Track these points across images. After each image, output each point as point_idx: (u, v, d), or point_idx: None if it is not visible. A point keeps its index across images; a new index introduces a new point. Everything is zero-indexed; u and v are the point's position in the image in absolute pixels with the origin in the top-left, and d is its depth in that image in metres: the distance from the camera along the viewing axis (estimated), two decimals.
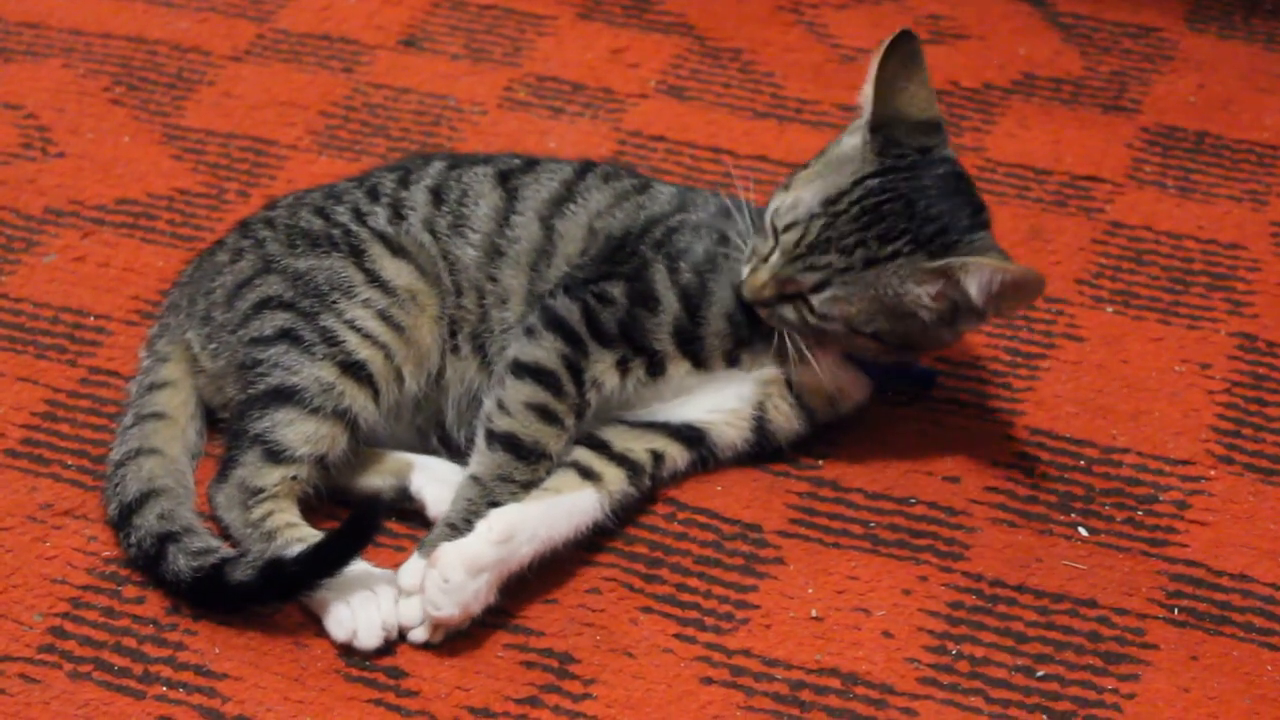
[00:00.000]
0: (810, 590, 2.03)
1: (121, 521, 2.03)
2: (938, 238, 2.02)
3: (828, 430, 2.20)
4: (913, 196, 2.03)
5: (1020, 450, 2.21)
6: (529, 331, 2.09)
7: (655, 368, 2.11)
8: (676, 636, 1.98)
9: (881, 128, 2.07)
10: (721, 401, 2.13)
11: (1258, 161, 2.70)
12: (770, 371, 2.14)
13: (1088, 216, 2.59)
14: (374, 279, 2.12)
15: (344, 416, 2.04)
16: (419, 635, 1.94)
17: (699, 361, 2.12)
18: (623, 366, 2.10)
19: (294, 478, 2.03)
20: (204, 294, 2.17)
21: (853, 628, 1.99)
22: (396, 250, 2.15)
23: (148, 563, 1.99)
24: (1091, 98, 2.83)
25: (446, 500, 2.04)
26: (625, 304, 2.10)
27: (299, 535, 1.98)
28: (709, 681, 1.93)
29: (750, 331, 2.11)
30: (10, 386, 2.26)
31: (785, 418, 2.14)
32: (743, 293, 2.08)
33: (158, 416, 2.12)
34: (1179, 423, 2.25)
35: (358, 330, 2.08)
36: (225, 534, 2.03)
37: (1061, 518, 2.13)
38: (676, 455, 2.12)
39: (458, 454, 2.13)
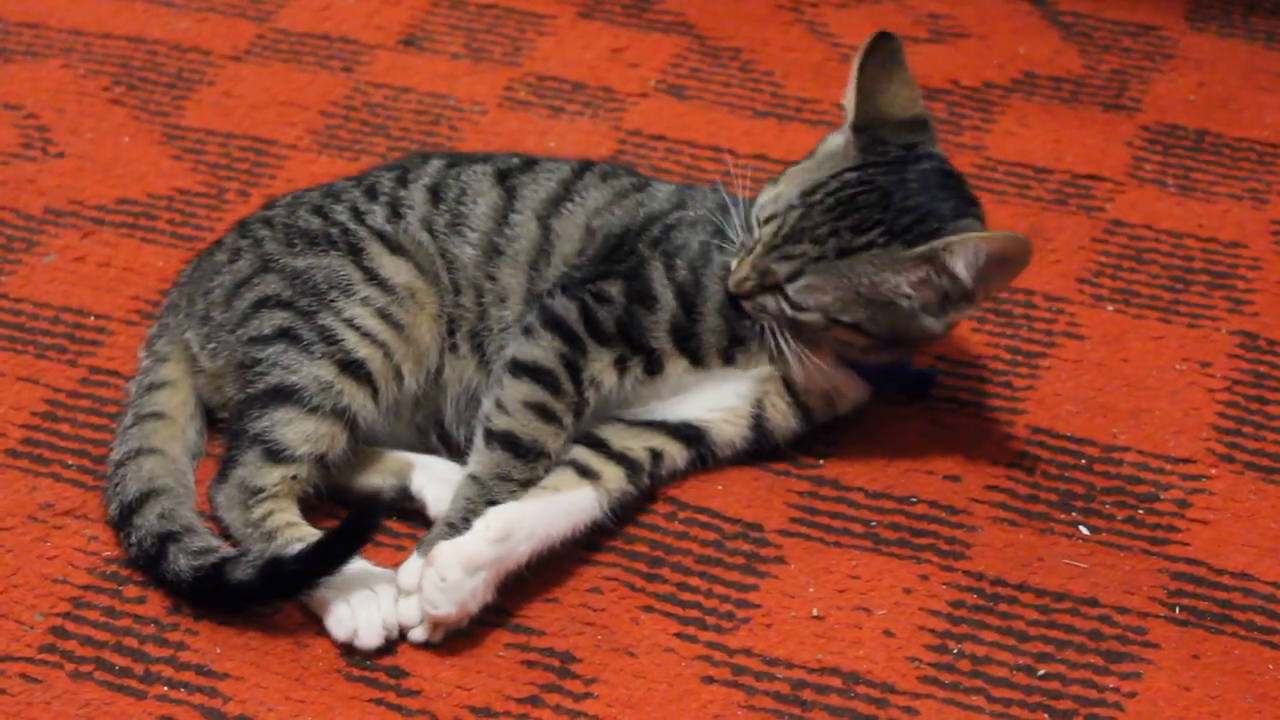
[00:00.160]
0: (811, 589, 2.03)
1: (122, 521, 2.03)
2: (915, 227, 2.02)
3: (828, 429, 2.20)
4: (890, 189, 2.03)
5: (1021, 449, 2.21)
6: (527, 331, 2.10)
7: (653, 366, 2.11)
8: (678, 636, 1.97)
9: (866, 127, 2.08)
10: (720, 400, 2.13)
11: (1258, 160, 2.70)
12: (767, 369, 2.14)
13: (1088, 215, 2.59)
14: (372, 277, 2.12)
15: (343, 415, 2.04)
16: (418, 634, 1.94)
17: (696, 359, 2.12)
18: (620, 365, 2.10)
19: (294, 477, 2.03)
20: (203, 294, 2.17)
21: (854, 627, 1.99)
22: (395, 248, 2.15)
23: (148, 562, 1.99)
24: (1092, 96, 2.83)
25: (447, 499, 2.04)
26: (623, 302, 2.10)
27: (299, 535, 1.98)
28: (710, 681, 1.93)
29: (744, 329, 2.11)
30: (10, 386, 2.26)
31: (783, 416, 2.14)
32: (729, 287, 2.09)
33: (157, 416, 2.12)
34: (1180, 421, 2.25)
35: (356, 329, 2.08)
36: (226, 534, 2.03)
37: (1062, 516, 2.13)
38: (675, 453, 2.12)
39: (457, 452, 2.13)
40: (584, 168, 2.26)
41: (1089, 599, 2.02)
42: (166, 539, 1.98)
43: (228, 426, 2.09)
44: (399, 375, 2.10)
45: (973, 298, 2.04)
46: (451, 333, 2.15)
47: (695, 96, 2.82)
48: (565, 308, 2.10)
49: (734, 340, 2.12)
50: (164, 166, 2.65)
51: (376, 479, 2.09)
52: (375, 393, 2.07)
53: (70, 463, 2.16)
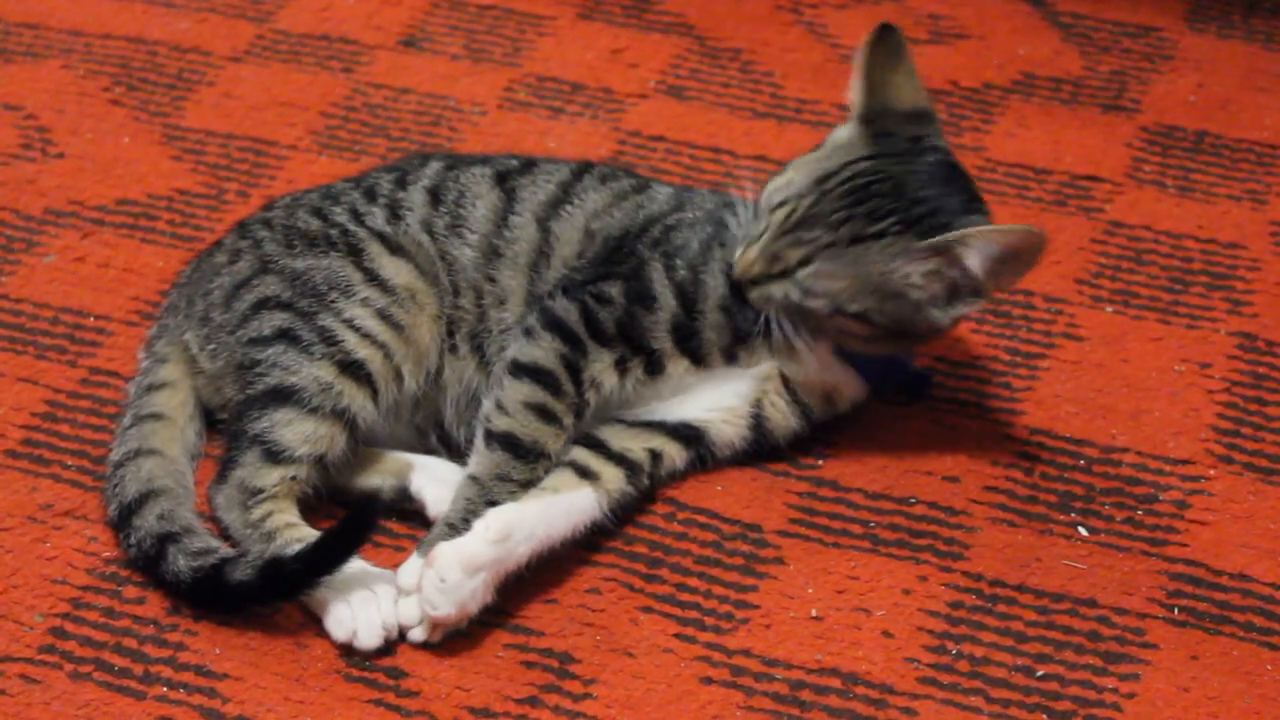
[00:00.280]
0: (810, 590, 2.03)
1: (121, 522, 2.03)
2: (927, 219, 2.02)
3: (827, 430, 2.20)
4: (902, 180, 2.04)
5: (1020, 450, 2.21)
6: (527, 332, 2.10)
7: (654, 366, 2.11)
8: (676, 636, 1.98)
9: (873, 119, 2.08)
10: (719, 400, 2.14)
11: (1257, 161, 2.70)
12: (767, 368, 2.14)
13: (1087, 216, 2.59)
14: (372, 278, 2.12)
15: (343, 416, 2.05)
16: (418, 635, 1.95)
17: (697, 358, 2.12)
18: (621, 366, 2.10)
19: (293, 478, 2.03)
20: (202, 295, 2.17)
21: (853, 627, 1.99)
22: (395, 249, 2.15)
23: (148, 563, 1.99)
24: (1091, 97, 2.83)
25: (446, 500, 2.04)
26: (623, 303, 2.10)
27: (299, 535, 1.98)
28: (709, 681, 1.93)
29: (746, 322, 2.11)
30: (10, 387, 2.26)
31: (782, 415, 2.14)
32: (734, 274, 2.08)
33: (157, 417, 2.12)
34: (1179, 422, 2.25)
35: (356, 329, 2.08)
36: (225, 535, 2.03)
37: (1061, 517, 2.13)
38: (674, 454, 2.12)
39: (457, 452, 2.13)
40: (583, 169, 2.26)
41: (1088, 600, 2.02)
42: (166, 540, 1.98)
43: (227, 427, 2.10)
44: (399, 376, 2.10)
45: (982, 292, 2.04)
46: (451, 334, 2.15)
47: (695, 97, 2.82)
48: (566, 309, 2.10)
49: (736, 337, 2.12)
50: (164, 167, 2.65)
51: (376, 479, 2.10)
52: (375, 394, 2.08)
53: (70, 463, 2.16)
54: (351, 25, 2.96)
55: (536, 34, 2.95)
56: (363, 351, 2.07)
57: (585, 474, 2.04)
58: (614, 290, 2.11)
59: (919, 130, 2.10)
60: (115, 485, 2.06)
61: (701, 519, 2.11)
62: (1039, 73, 2.88)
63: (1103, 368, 2.33)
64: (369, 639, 1.93)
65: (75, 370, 2.29)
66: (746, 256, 2.07)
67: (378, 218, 2.19)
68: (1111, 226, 2.57)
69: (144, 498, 2.03)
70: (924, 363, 2.30)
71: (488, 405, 2.07)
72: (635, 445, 2.10)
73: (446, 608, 1.91)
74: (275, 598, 1.95)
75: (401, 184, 2.23)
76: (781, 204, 2.06)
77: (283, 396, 2.04)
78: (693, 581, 2.04)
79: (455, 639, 1.95)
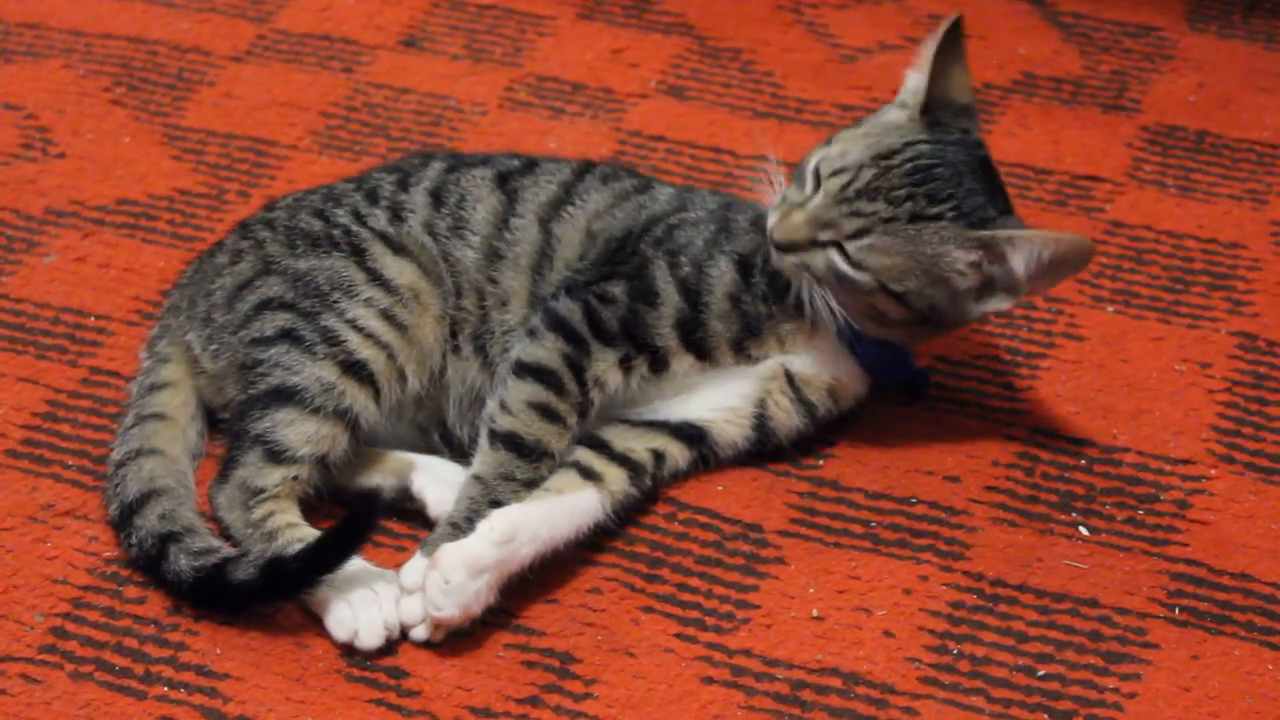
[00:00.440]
0: (811, 590, 2.03)
1: (122, 522, 2.03)
2: (978, 212, 2.04)
3: (828, 429, 2.20)
4: (960, 169, 2.05)
5: (1021, 450, 2.21)
6: (531, 333, 2.10)
7: (658, 364, 2.11)
8: (677, 636, 1.98)
9: (929, 109, 2.10)
10: (722, 399, 2.14)
11: (1258, 161, 2.70)
12: (773, 365, 2.13)
13: (1088, 216, 2.59)
14: (376, 278, 2.12)
15: (345, 416, 2.05)
16: (420, 634, 1.95)
17: (703, 353, 2.12)
18: (625, 365, 2.10)
19: (295, 478, 2.03)
20: (204, 295, 2.17)
21: (853, 627, 1.99)
22: (398, 249, 2.15)
23: (149, 563, 1.99)
24: (1091, 97, 2.83)
25: (448, 500, 2.04)
26: (626, 302, 2.10)
27: (300, 535, 1.98)
28: (710, 681, 1.93)
29: (756, 309, 2.10)
30: (11, 387, 2.26)
31: (786, 414, 2.14)
32: (772, 236, 2.06)
33: (158, 417, 2.12)
34: (1179, 422, 2.25)
35: (359, 330, 2.08)
36: (226, 534, 2.04)
37: (1062, 517, 2.13)
38: (677, 454, 2.12)
39: (460, 452, 2.13)
40: (584, 170, 2.26)
41: (1089, 599, 2.02)
42: (167, 539, 1.98)
43: (229, 427, 2.10)
44: (402, 376, 2.10)
45: (1017, 292, 2.05)
46: (454, 334, 2.15)
47: (695, 97, 2.82)
48: (569, 309, 2.10)
49: (746, 328, 2.11)
50: (164, 167, 2.65)
51: (377, 479, 2.10)
52: (377, 394, 2.08)
53: (71, 463, 2.16)
54: (352, 25, 2.96)
55: (537, 34, 2.95)
56: (366, 352, 2.07)
57: (589, 475, 2.04)
58: (617, 289, 2.11)
59: (966, 124, 2.12)
60: (116, 485, 2.06)
61: (702, 519, 2.11)
62: (1039, 72, 2.88)
63: (1103, 367, 2.33)
64: (370, 639, 1.93)
65: (76, 370, 2.29)
66: (792, 221, 2.06)
67: (380, 219, 2.19)
68: (1112, 226, 2.57)
69: (145, 497, 2.03)
70: (924, 362, 2.30)
71: (492, 405, 2.07)
72: (638, 446, 2.10)
73: (450, 609, 1.91)
74: (277, 597, 1.95)
75: (403, 185, 2.23)
76: (839, 171, 2.06)
77: (285, 396, 2.04)
78: (694, 581, 2.04)
79: (456, 639, 1.95)
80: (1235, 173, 2.68)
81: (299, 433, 2.03)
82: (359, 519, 1.93)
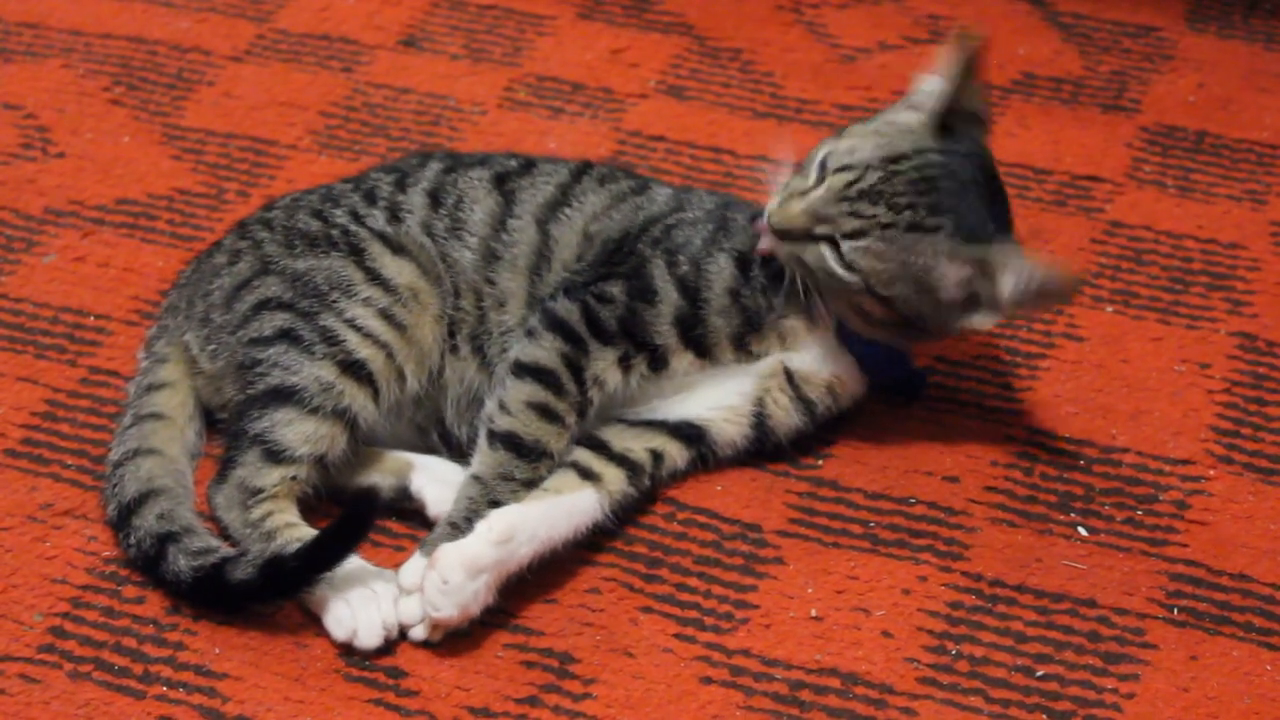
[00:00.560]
0: (810, 590, 2.03)
1: (120, 522, 2.03)
2: (976, 228, 2.03)
3: (827, 429, 2.19)
4: (965, 183, 2.04)
5: (1020, 450, 2.21)
6: (530, 333, 2.10)
7: (658, 362, 2.11)
8: (676, 636, 1.98)
9: (943, 115, 2.09)
10: (721, 398, 2.13)
11: (1257, 161, 2.70)
12: (773, 362, 2.13)
13: (1087, 216, 2.59)
14: (374, 277, 2.12)
15: (344, 416, 2.05)
16: (418, 634, 1.95)
17: (703, 350, 2.12)
18: (624, 363, 2.10)
19: (293, 478, 2.03)
20: (202, 296, 2.17)
21: (852, 627, 1.99)
22: (397, 249, 2.15)
23: (147, 563, 1.99)
24: (1091, 97, 2.83)
25: (446, 500, 2.04)
26: (625, 301, 2.10)
27: (299, 535, 1.98)
28: (709, 681, 1.93)
29: (756, 302, 2.10)
30: (10, 386, 2.26)
31: (785, 412, 2.14)
32: (769, 219, 2.06)
33: (156, 417, 2.12)
34: (1179, 422, 2.25)
35: (358, 329, 2.08)
36: (224, 534, 2.03)
37: (1061, 517, 2.13)
38: (676, 454, 2.12)
39: (458, 451, 2.13)
40: (581, 171, 2.26)
41: (1088, 600, 2.02)
42: (166, 539, 1.98)
43: (227, 427, 2.10)
44: (401, 376, 2.10)
45: (1000, 311, 2.04)
46: (453, 334, 2.15)
47: (695, 97, 2.82)
48: (567, 309, 2.10)
49: (747, 322, 2.11)
50: (164, 167, 2.65)
51: (376, 479, 2.10)
52: (376, 394, 2.08)
53: (69, 463, 2.16)
54: (351, 25, 2.96)
55: (536, 34, 2.95)
56: (364, 351, 2.07)
57: (587, 475, 2.04)
58: (615, 289, 2.11)
59: (976, 132, 2.11)
60: (115, 485, 2.06)
61: (701, 519, 2.11)
62: (1039, 73, 2.88)
63: (1103, 368, 2.33)
64: (369, 638, 1.93)
65: (75, 370, 2.29)
66: (791, 208, 2.05)
67: (378, 219, 2.19)
68: (1111, 226, 2.57)
69: (143, 497, 2.03)
70: (923, 362, 2.30)
71: (490, 405, 2.07)
72: (637, 445, 2.10)
73: (449, 609, 1.91)
74: (276, 596, 1.95)
75: (401, 186, 2.23)
76: (845, 167, 2.05)
77: (283, 396, 2.04)
78: (692, 581, 2.04)
79: (455, 639, 1.95)
80: (1235, 173, 2.68)
81: (297, 432, 2.03)
82: (357, 517, 1.93)
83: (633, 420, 2.13)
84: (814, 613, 2.01)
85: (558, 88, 2.83)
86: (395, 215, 2.19)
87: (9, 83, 2.81)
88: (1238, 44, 2.96)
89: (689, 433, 2.13)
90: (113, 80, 2.82)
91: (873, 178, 2.04)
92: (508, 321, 2.15)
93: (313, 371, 2.05)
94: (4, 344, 2.33)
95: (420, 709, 1.89)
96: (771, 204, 2.08)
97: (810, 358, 2.14)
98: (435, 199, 2.21)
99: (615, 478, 2.06)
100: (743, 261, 2.12)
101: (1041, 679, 1.94)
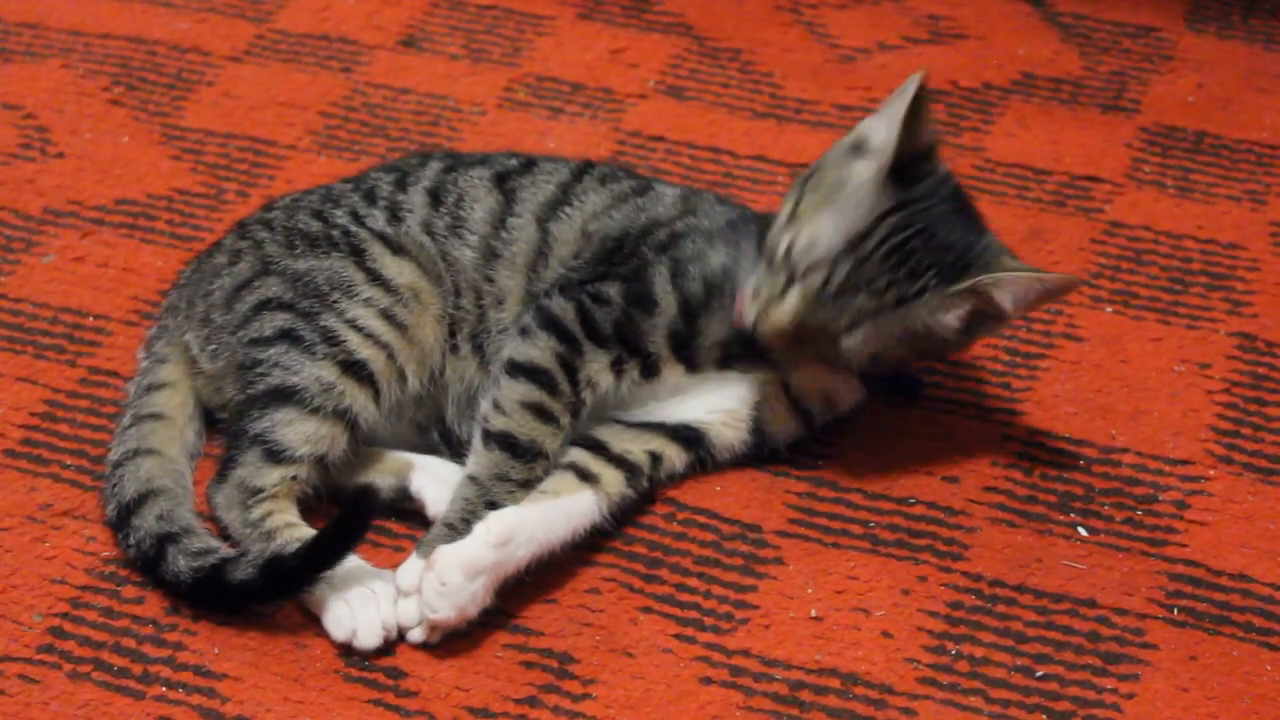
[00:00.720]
0: (809, 590, 2.03)
1: (120, 522, 2.03)
2: (958, 263, 2.00)
3: (826, 430, 2.20)
4: (933, 228, 2.00)
5: (1019, 450, 2.21)
6: (524, 332, 2.10)
7: (649, 370, 2.11)
8: (676, 636, 1.98)
9: (898, 166, 2.02)
10: (719, 402, 2.13)
11: (1257, 161, 2.70)
12: (766, 374, 2.13)
13: (1087, 216, 2.59)
14: (375, 278, 2.12)
15: (344, 416, 2.05)
16: (416, 636, 1.95)
17: (692, 366, 2.12)
18: (617, 367, 2.10)
19: (294, 478, 2.03)
20: (202, 296, 2.17)
21: (852, 628, 1.99)
22: (397, 249, 2.15)
23: (147, 564, 1.99)
24: (1090, 98, 2.83)
25: (446, 500, 2.04)
26: (621, 304, 2.10)
27: (299, 535, 1.98)
28: (708, 681, 1.93)
29: (745, 348, 2.10)
30: (9, 387, 2.26)
31: (783, 419, 2.14)
32: (753, 331, 2.04)
33: (156, 417, 2.12)
34: (1178, 423, 2.25)
35: (359, 330, 2.08)
36: (224, 534, 2.03)
37: (1061, 518, 2.13)
38: (674, 457, 2.12)
39: (458, 451, 2.13)
40: (583, 170, 2.26)
41: (1087, 600, 2.02)
42: (165, 540, 1.98)
43: (227, 427, 2.10)
44: (402, 376, 2.10)
45: (1005, 320, 2.04)
46: (453, 334, 2.15)
47: (694, 97, 2.82)
48: (562, 308, 2.10)
49: (732, 355, 2.11)
50: (163, 167, 2.65)
51: (376, 479, 2.09)
52: (377, 394, 2.07)
53: (69, 463, 2.16)
54: (351, 25, 2.96)
55: (536, 34, 2.95)
56: (365, 351, 2.07)
57: (585, 477, 2.04)
58: (612, 291, 2.11)
59: (929, 165, 2.05)
60: (114, 485, 2.06)
61: (701, 519, 2.11)
62: (1039, 73, 2.88)
63: (1102, 368, 2.33)
64: (368, 639, 1.93)
65: (74, 370, 2.29)
66: (774, 318, 2.02)
67: (378, 219, 2.19)
68: (1111, 227, 2.57)
69: (143, 498, 2.03)
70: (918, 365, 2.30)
71: (485, 405, 2.07)
72: (635, 447, 2.10)
73: (446, 611, 1.91)
74: (276, 596, 1.95)
75: (401, 185, 2.23)
76: (813, 268, 1.99)
77: (284, 396, 2.04)
78: (692, 582, 2.04)
79: (454, 639, 1.95)
80: (1234, 173, 2.68)
81: (298, 432, 2.03)
82: (356, 514, 1.92)
83: (631, 422, 2.13)
84: (814, 613, 2.01)
85: (557, 88, 2.83)
86: (395, 215, 2.19)
87: (8, 83, 2.81)
88: (1237, 44, 2.96)
89: (687, 435, 2.13)
90: (112, 80, 2.81)
91: (843, 271, 1.99)
92: (505, 320, 2.15)
93: (313, 372, 2.05)
94: (3, 344, 2.32)
95: (420, 709, 1.89)
96: (749, 313, 2.04)
97: (804, 376, 2.13)
98: (436, 198, 2.21)
99: (614, 479, 2.06)
100: None
101: (1041, 679, 1.94)
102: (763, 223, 2.15)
